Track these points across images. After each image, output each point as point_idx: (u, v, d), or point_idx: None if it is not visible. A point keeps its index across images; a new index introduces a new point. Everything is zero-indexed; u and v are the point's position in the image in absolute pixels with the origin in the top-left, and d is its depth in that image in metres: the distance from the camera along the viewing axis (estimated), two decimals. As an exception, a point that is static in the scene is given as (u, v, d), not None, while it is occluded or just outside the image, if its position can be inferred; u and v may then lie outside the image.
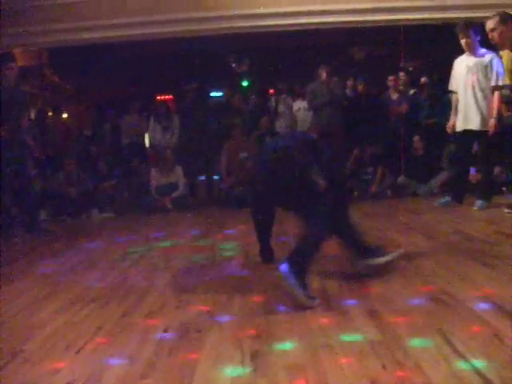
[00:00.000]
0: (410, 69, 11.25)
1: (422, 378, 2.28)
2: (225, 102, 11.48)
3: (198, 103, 10.57)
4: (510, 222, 5.93)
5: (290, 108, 11.09)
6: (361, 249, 4.10)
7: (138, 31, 10.53)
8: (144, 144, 11.36)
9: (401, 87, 10.49)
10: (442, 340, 2.60)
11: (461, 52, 7.24)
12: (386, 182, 9.50)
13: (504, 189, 8.18)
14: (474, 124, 7.10)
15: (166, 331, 3.02)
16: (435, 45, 11.63)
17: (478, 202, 7.10)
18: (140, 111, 11.41)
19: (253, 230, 4.75)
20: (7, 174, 7.25)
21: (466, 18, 9.06)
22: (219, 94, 12.35)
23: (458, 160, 7.58)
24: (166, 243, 5.91)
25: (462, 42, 7.09)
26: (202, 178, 10.34)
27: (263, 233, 4.72)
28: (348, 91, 10.67)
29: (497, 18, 6.39)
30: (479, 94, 7.07)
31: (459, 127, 7.22)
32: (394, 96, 10.38)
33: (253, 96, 11.37)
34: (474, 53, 7.10)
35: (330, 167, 4.18)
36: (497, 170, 8.07)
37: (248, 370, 2.43)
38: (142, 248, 5.83)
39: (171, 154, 9.63)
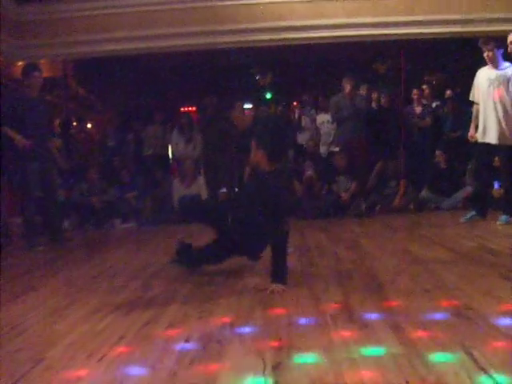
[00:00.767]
0: (434, 82, 11.20)
1: (445, 392, 2.26)
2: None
3: (219, 116, 10.61)
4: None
5: (314, 121, 11.08)
6: None
7: (162, 43, 10.62)
8: (167, 155, 11.41)
9: (424, 100, 10.47)
10: (465, 355, 2.57)
11: (484, 65, 7.23)
12: (409, 196, 9.46)
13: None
14: (493, 138, 7.07)
15: (187, 341, 3.02)
16: (459, 58, 11.60)
17: (503, 217, 7.05)
18: (163, 122, 11.48)
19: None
20: (31, 184, 7.32)
21: (489, 31, 9.06)
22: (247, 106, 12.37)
23: (480, 173, 7.54)
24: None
25: (485, 55, 7.10)
26: (224, 190, 10.36)
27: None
28: (373, 104, 10.66)
29: None
30: (499, 107, 7.04)
31: (480, 139, 7.19)
32: (418, 109, 10.36)
33: (279, 108, 11.40)
34: (496, 66, 7.10)
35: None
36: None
37: (269, 381, 2.42)
38: (165, 258, 5.84)
39: (193, 165, 9.67)
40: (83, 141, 11.98)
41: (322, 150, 10.87)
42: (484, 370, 2.38)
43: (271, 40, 10.66)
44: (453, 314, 3.23)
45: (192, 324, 3.36)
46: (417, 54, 12.18)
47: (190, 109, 15.16)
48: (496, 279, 4.09)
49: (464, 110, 9.55)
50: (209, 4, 10.36)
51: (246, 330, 3.18)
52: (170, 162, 11.33)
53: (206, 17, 10.32)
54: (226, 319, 3.39)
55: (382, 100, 10.58)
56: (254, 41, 10.68)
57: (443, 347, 2.70)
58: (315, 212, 9.11)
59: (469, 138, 7.46)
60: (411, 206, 9.45)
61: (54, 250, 7.22)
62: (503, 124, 7.02)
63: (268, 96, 15.21)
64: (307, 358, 2.66)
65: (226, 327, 3.25)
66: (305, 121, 11.25)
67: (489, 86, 7.11)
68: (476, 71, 7.36)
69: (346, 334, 3.00)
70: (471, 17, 10.01)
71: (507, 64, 7.12)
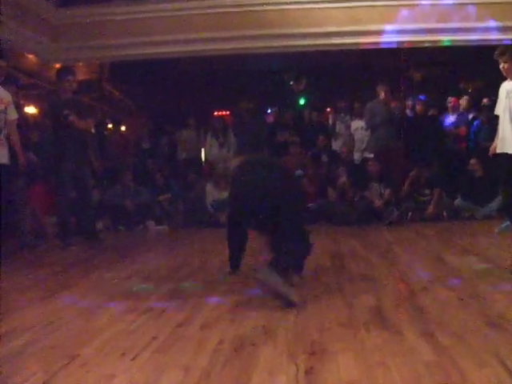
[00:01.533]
0: (470, 90, 11.12)
1: (478, 401, 2.25)
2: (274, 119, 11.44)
3: (253, 121, 10.62)
4: None
5: (348, 127, 11.05)
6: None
7: (197, 47, 10.66)
8: (200, 159, 11.46)
9: (461, 110, 10.39)
10: (499, 365, 2.55)
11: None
12: (443, 204, 9.38)
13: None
14: (510, 147, 6.99)
15: (220, 343, 3.03)
16: (495, 65, 11.47)
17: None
18: (197, 126, 11.53)
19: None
20: (66, 184, 7.40)
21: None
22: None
23: (505, 183, 7.46)
24: (222, 257, 5.92)
25: (500, 66, 7.01)
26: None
27: (236, 251, 4.94)
28: (408, 112, 10.60)
29: None
30: None
31: (498, 149, 7.10)
32: (453, 117, 10.29)
33: (314, 113, 11.38)
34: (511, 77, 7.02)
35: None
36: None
37: (302, 385, 2.43)
38: (197, 260, 5.89)
39: (226, 170, 9.70)
40: (118, 143, 12.09)
41: (356, 156, 10.83)
42: (518, 380, 2.37)
43: (306, 46, 10.66)
44: (487, 324, 3.21)
45: (225, 326, 3.38)
46: (454, 62, 12.10)
47: (223, 113, 15.19)
48: (531, 290, 4.06)
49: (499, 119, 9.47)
50: (244, 9, 10.38)
51: (280, 333, 3.19)
52: (204, 165, 11.37)
53: (241, 22, 10.35)
54: (259, 322, 3.40)
55: (417, 107, 10.52)
56: (289, 46, 10.68)
57: (477, 356, 2.68)
58: (348, 218, 9.08)
59: (490, 152, 7.40)
60: (445, 215, 9.37)
61: (88, 250, 7.29)
62: None
63: (302, 101, 15.19)
64: (340, 363, 2.66)
65: (259, 330, 3.26)
66: (339, 127, 11.23)
67: (506, 98, 7.04)
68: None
69: (379, 339, 2.99)
70: (508, 24, 9.91)
71: None
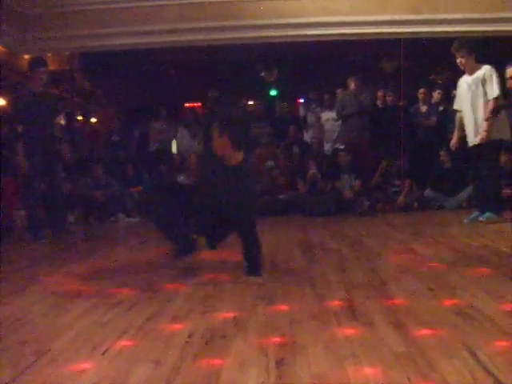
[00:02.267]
0: (440, 82, 11.18)
1: (447, 391, 2.26)
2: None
3: (222, 111, 10.58)
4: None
5: (319, 118, 11.08)
6: None
7: (168, 38, 10.61)
8: (171, 150, 11.42)
9: (433, 102, 10.46)
10: (468, 354, 2.57)
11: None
12: (413, 195, 9.45)
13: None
14: (471, 140, 7.15)
15: (190, 336, 3.03)
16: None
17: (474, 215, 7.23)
18: (168, 118, 11.48)
19: (277, 238, 4.77)
20: (36, 177, 7.33)
21: (496, 31, 9.06)
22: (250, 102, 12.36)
23: (474, 174, 7.60)
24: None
25: (457, 61, 7.10)
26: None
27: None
28: (378, 103, 10.65)
29: None
30: (475, 109, 7.09)
31: (469, 143, 7.23)
32: (423, 109, 10.36)
33: (284, 104, 11.41)
34: (469, 71, 7.11)
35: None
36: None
37: (273, 377, 2.42)
38: (168, 253, 5.85)
39: (197, 160, 9.67)
40: (88, 135, 12.01)
41: (327, 147, 10.87)
42: (487, 370, 2.38)
43: (277, 36, 10.65)
44: (456, 314, 3.24)
45: (195, 319, 3.37)
46: (423, 53, 12.16)
47: (195, 104, 15.15)
48: (500, 279, 4.10)
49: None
50: (215, 0, 10.34)
51: (250, 325, 3.19)
52: (175, 157, 11.33)
53: (212, 12, 10.31)
54: (230, 315, 3.40)
55: (388, 98, 10.57)
56: (260, 37, 10.66)
57: (446, 346, 2.70)
58: (318, 209, 9.11)
59: (451, 146, 7.53)
60: (415, 205, 9.44)
61: (58, 242, 7.24)
62: (475, 124, 7.09)
63: (273, 93, 15.20)
64: (310, 354, 2.67)
65: (230, 322, 3.26)
66: (310, 118, 11.25)
67: (467, 92, 7.14)
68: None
69: (350, 331, 3.01)
70: (478, 16, 9.98)
71: (483, 66, 7.12)
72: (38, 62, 7.66)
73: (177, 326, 3.23)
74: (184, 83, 14.82)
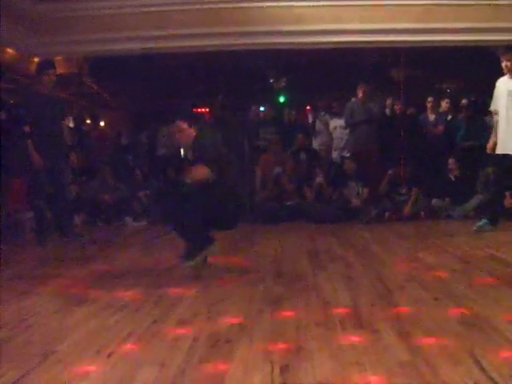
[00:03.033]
0: (449, 90, 11.19)
1: (451, 400, 2.26)
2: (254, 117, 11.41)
3: (230, 117, 10.58)
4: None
5: (327, 125, 11.07)
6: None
7: (178, 43, 10.62)
8: (180, 155, 11.41)
9: (441, 111, 10.45)
10: (473, 364, 2.57)
11: (500, 73, 7.18)
12: (420, 203, 9.43)
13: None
14: (502, 148, 7.03)
15: (196, 340, 3.03)
16: (474, 66, 11.57)
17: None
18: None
19: (284, 245, 4.78)
20: (43, 179, 7.35)
21: (505, 40, 9.04)
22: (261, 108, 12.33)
23: (494, 182, 7.51)
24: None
25: (503, 64, 7.02)
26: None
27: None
28: (387, 111, 10.64)
29: None
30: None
31: (498, 150, 7.12)
32: (432, 117, 10.35)
33: (293, 112, 11.40)
34: None
35: None
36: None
37: (277, 383, 2.43)
38: (174, 257, 5.86)
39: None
40: (96, 138, 12.04)
41: (334, 155, 10.86)
42: (492, 379, 2.38)
43: (287, 43, 10.66)
44: (461, 323, 3.24)
45: (201, 323, 3.38)
46: (432, 62, 12.15)
47: (203, 110, 15.17)
48: (505, 289, 4.10)
49: (478, 119, 9.54)
50: (225, 6, 10.36)
51: (255, 331, 3.19)
52: (183, 161, 11.33)
53: (222, 18, 10.32)
54: (235, 320, 3.41)
55: (396, 107, 10.57)
56: (269, 43, 10.67)
57: (451, 355, 2.70)
58: (325, 217, 9.09)
59: (487, 150, 7.38)
60: (422, 214, 9.41)
61: (65, 245, 7.25)
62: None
63: (282, 99, 15.21)
64: (315, 361, 2.67)
65: (235, 327, 3.26)
66: (318, 125, 11.25)
67: (508, 96, 7.02)
68: (491, 80, 7.30)
69: (355, 338, 3.01)
70: (486, 26, 9.97)
71: None
72: (46, 65, 7.68)
73: (182, 330, 3.24)
74: (193, 89, 14.85)
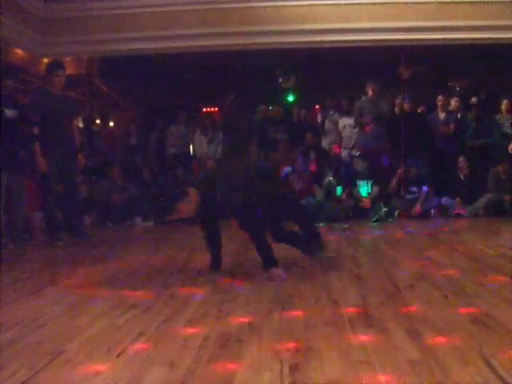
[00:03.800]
0: (458, 88, 11.15)
1: (461, 399, 2.26)
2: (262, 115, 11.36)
3: (239, 116, 10.57)
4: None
5: (336, 124, 11.05)
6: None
7: (187, 43, 10.65)
8: (189, 155, 11.43)
9: (450, 109, 10.41)
10: (483, 363, 2.56)
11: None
12: (431, 202, 9.41)
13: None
14: None
15: (206, 340, 3.04)
16: (483, 64, 11.52)
17: None
18: (186, 122, 11.50)
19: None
20: (52, 179, 7.37)
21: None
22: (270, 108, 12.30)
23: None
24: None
25: None
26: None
27: (214, 242, 5.17)
28: (396, 109, 10.61)
29: None
30: None
31: None
32: (442, 115, 10.31)
33: (302, 111, 11.37)
34: None
35: None
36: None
37: (286, 382, 2.43)
38: (184, 257, 5.88)
39: (213, 165, 9.69)
40: (106, 138, 12.05)
41: (344, 153, 10.84)
42: (502, 379, 2.38)
43: (296, 42, 10.67)
44: (471, 322, 3.23)
45: (211, 322, 3.38)
46: (442, 60, 12.12)
47: (212, 109, 15.16)
48: (516, 288, 4.08)
49: (488, 117, 9.51)
50: (233, 5, 10.38)
51: (265, 330, 3.19)
52: (193, 161, 11.33)
53: (230, 18, 10.35)
54: (245, 319, 3.41)
55: (405, 105, 10.55)
56: (278, 43, 10.69)
57: (461, 354, 2.69)
58: (335, 215, 9.08)
59: (510, 150, 7.35)
60: (432, 212, 9.39)
61: (75, 245, 7.27)
62: None
63: (290, 98, 15.18)
64: (324, 360, 2.67)
65: (245, 327, 3.26)
66: (328, 124, 11.23)
67: None
68: (501, 78, 7.28)
69: (364, 337, 3.00)
70: (497, 23, 9.93)
71: None
72: (56, 66, 7.71)
73: (192, 330, 3.25)
74: (202, 88, 14.84)
